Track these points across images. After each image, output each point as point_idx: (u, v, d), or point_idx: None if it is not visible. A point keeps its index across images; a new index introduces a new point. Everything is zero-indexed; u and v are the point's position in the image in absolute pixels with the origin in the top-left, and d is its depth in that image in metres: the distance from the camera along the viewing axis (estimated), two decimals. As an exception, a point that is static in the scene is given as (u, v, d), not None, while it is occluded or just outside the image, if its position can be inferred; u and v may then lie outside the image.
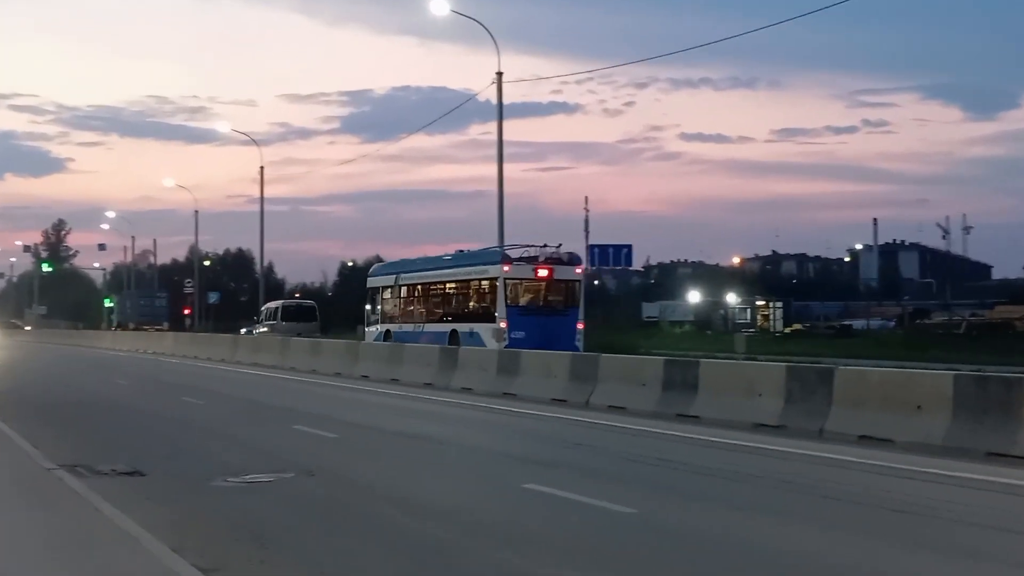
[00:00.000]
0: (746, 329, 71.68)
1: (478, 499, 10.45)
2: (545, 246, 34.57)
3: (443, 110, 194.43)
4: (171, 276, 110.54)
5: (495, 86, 38.58)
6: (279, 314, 53.41)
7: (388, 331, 39.20)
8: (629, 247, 49.57)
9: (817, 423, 15.36)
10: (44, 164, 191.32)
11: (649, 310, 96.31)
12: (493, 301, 33.40)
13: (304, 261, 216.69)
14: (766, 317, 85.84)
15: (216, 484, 11.36)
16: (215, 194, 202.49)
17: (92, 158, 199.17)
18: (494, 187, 38.38)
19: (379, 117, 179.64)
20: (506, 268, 33.21)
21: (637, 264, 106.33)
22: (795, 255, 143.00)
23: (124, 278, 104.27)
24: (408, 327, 37.97)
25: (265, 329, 51.85)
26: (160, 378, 31.21)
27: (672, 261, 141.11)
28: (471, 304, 35.09)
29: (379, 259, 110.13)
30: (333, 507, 10.08)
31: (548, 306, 33.52)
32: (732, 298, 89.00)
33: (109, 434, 16.44)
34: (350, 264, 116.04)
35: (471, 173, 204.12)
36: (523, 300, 33.46)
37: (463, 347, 26.36)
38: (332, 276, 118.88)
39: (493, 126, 38.71)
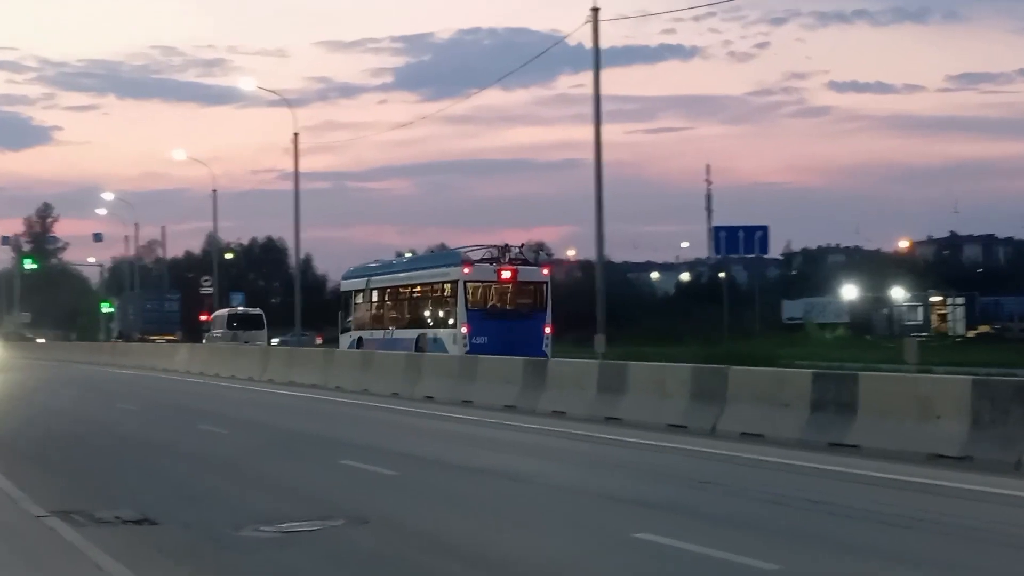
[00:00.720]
0: (918, 333, 70.84)
1: (576, 554, 10.44)
2: (507, 247, 40.43)
3: (524, 57, 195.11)
4: (184, 273, 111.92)
5: (590, 25, 38.58)
6: (225, 322, 64.33)
7: (360, 338, 45.96)
8: (764, 229, 49.29)
9: (1014, 453, 15.13)
10: (24, 134, 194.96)
11: (791, 309, 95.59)
12: (454, 305, 39.42)
13: (351, 252, 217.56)
14: (943, 317, 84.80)
15: (245, 534, 11.49)
16: (238, 169, 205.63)
17: (84, 126, 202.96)
18: (589, 155, 38.47)
19: (443, 68, 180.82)
20: (466, 270, 39.20)
21: (775, 251, 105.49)
22: (980, 236, 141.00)
23: (126, 276, 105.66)
24: (379, 333, 44.66)
25: (218, 336, 62.50)
26: (174, 402, 31.68)
27: (820, 247, 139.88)
28: (435, 309, 41.71)
29: (444, 247, 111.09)
30: (391, 564, 10.13)
31: (513, 310, 39.62)
32: (899, 293, 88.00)
33: (112, 473, 16.72)
34: (408, 255, 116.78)
35: (560, 137, 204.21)
36: (486, 304, 39.63)
37: (553, 360, 26.56)
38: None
39: (587, 77, 38.84)
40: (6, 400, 33.55)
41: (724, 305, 53.52)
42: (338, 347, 45.91)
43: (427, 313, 42.12)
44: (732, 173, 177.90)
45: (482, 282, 39.35)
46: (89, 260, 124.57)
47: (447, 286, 40.14)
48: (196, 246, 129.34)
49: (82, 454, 19.21)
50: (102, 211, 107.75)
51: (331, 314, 56.82)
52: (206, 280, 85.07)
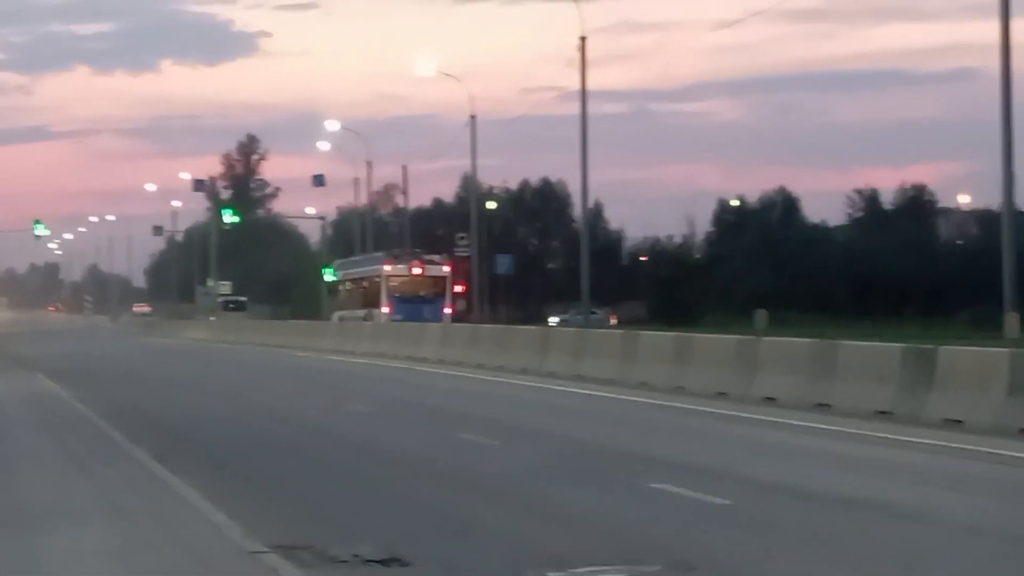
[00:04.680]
0: None
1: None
2: (418, 251, 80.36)
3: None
4: (431, 228, 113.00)
5: None
6: (222, 307, 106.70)
7: (341, 317, 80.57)
8: None
9: None
10: (223, 44, 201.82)
11: None
12: (381, 292, 74.51)
13: (656, 199, 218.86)
14: None
15: (526, 583, 11.66)
16: (503, 88, 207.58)
17: (299, 31, 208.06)
18: (990, 61, 37.57)
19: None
20: (387, 267, 75.49)
21: None
22: None
23: (356, 233, 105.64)
24: (347, 313, 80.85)
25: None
26: (422, 402, 32.15)
27: None
28: (373, 295, 76.56)
29: (784, 192, 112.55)
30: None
31: (421, 295, 74.29)
32: None
33: (347, 497, 17.13)
34: (735, 204, 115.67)
35: (949, 37, 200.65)
36: (402, 291, 74.68)
37: (944, 348, 26.46)
38: (705, 223, 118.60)
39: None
40: (206, 397, 34.56)
41: None
42: (590, 328, 56.25)
43: (368, 298, 77.53)
44: None
45: (399, 275, 74.91)
46: (307, 211, 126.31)
47: (378, 279, 75.87)
48: (448, 192, 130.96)
49: (304, 469, 19.76)
50: (324, 146, 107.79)
51: (628, 285, 57.18)
52: (462, 238, 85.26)
